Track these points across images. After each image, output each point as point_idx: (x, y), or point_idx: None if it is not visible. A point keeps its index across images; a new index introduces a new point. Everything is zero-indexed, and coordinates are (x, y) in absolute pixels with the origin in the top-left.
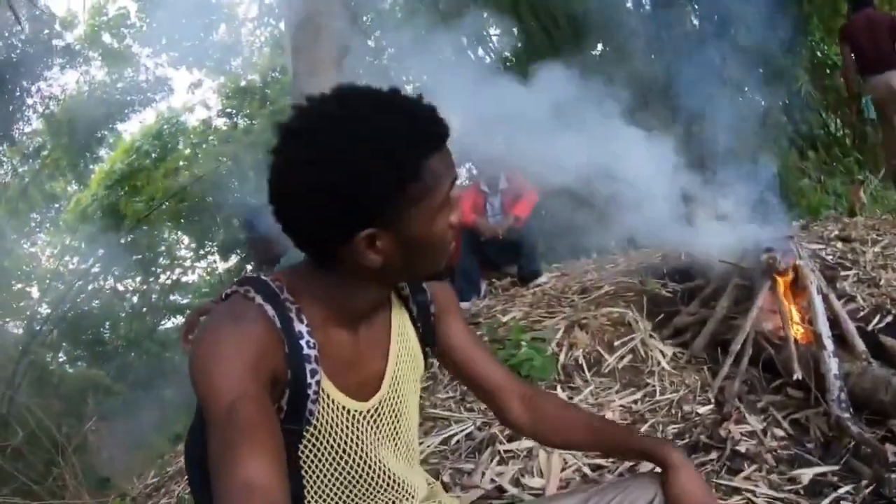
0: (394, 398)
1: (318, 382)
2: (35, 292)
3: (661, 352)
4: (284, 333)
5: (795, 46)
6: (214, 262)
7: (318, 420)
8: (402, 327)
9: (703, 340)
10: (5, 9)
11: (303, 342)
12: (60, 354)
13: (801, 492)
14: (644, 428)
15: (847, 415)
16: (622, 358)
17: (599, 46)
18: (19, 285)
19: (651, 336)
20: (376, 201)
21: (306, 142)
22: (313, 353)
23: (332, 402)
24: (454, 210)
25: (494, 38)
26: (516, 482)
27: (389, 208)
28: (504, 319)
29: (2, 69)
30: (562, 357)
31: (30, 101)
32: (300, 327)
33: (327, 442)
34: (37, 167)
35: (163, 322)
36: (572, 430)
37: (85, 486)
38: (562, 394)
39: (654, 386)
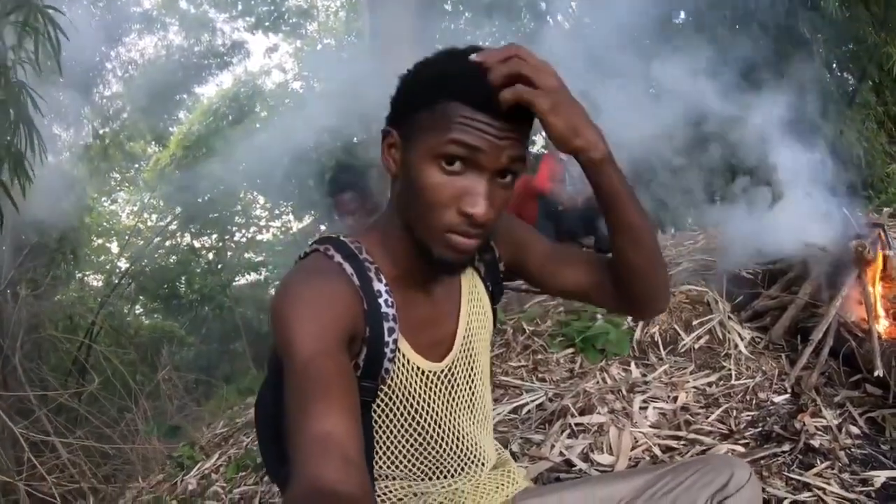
0: (466, 358)
1: (395, 341)
2: (115, 247)
3: (739, 335)
4: (363, 291)
5: (887, 22)
6: (289, 221)
7: (392, 379)
8: (472, 286)
9: (782, 326)
10: None
11: (381, 300)
12: (137, 307)
13: (873, 494)
14: (717, 413)
15: None
16: (699, 338)
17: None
18: (100, 240)
19: (730, 318)
20: (396, 104)
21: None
22: (391, 311)
23: (407, 361)
24: (469, 198)
25: None
26: (585, 457)
27: (403, 120)
28: None
29: (81, 35)
30: (637, 333)
31: (109, 66)
32: (379, 286)
33: (400, 401)
34: (117, 128)
35: (237, 278)
36: None
37: (155, 433)
38: (635, 370)
39: (729, 370)
